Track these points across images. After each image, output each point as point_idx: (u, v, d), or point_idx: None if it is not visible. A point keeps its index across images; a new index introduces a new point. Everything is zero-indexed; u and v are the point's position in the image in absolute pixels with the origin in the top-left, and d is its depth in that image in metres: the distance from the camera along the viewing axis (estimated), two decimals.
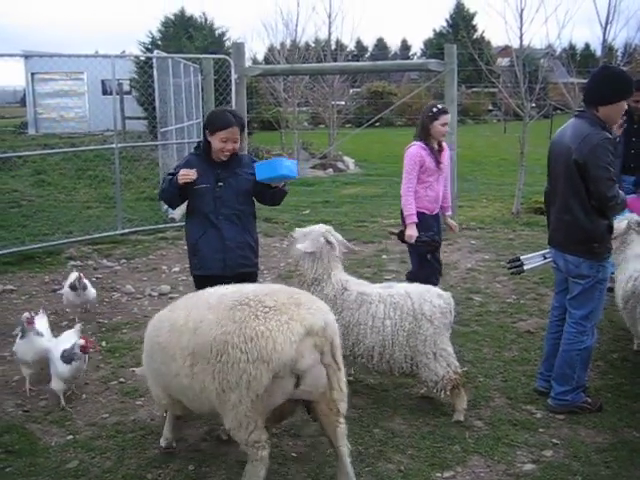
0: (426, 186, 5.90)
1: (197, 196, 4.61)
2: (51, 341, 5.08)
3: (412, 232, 5.79)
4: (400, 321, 4.52)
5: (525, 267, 5.41)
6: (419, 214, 5.85)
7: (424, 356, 4.49)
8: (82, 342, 4.76)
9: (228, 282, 4.00)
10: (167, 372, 3.75)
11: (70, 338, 4.99)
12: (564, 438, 4.26)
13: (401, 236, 5.96)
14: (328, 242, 4.76)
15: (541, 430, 4.36)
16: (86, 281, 6.49)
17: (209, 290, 3.88)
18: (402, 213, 5.95)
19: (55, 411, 4.70)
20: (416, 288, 4.70)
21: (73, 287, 6.39)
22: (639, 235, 5.60)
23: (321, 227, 4.86)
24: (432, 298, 4.56)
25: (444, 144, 6.07)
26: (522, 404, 4.73)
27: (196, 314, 3.60)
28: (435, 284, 5.44)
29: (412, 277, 5.78)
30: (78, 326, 5.37)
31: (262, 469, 3.50)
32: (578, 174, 4.27)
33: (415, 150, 5.84)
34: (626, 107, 4.38)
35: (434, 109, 5.83)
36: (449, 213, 6.33)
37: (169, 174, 4.70)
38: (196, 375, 3.51)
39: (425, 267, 5.91)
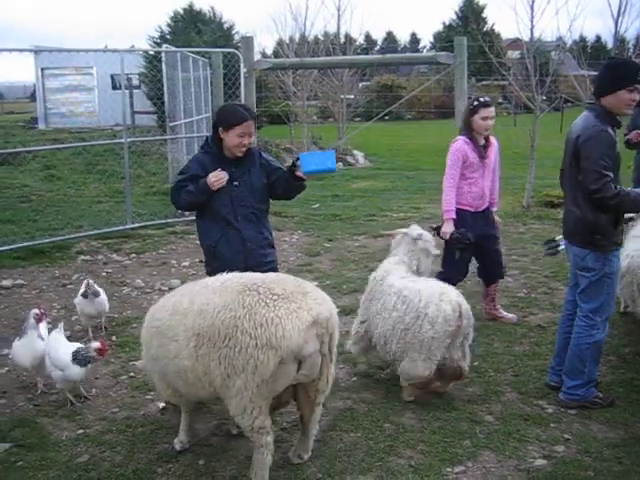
0: (470, 182, 5.78)
1: (214, 197, 4.46)
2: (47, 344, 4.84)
3: (447, 228, 5.69)
4: (403, 315, 4.56)
5: (560, 248, 5.40)
6: (461, 211, 5.76)
7: (416, 353, 4.52)
8: (98, 345, 4.68)
9: None
10: (165, 355, 3.75)
11: (61, 339, 4.87)
12: (576, 433, 4.23)
13: (438, 232, 5.83)
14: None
15: (552, 425, 4.33)
16: (98, 288, 6.13)
17: (209, 278, 3.95)
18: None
19: (66, 405, 4.71)
20: (433, 288, 4.66)
21: (85, 295, 5.98)
22: None
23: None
24: (441, 302, 4.49)
25: (492, 138, 5.93)
26: (533, 399, 4.70)
27: (201, 297, 3.65)
28: (454, 284, 5.46)
29: (442, 276, 5.55)
30: (61, 325, 5.08)
31: (268, 455, 3.56)
32: (576, 165, 4.28)
33: (458, 145, 5.75)
34: (634, 97, 4.25)
35: (475, 102, 5.72)
36: (494, 209, 6.17)
37: (182, 180, 4.52)
38: (201, 357, 3.54)
39: (451, 266, 5.81)
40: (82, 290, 6.04)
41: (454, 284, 5.50)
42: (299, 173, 4.52)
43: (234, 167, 4.50)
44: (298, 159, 4.51)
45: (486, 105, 5.69)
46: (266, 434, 3.54)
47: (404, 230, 5.19)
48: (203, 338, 3.52)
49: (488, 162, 5.86)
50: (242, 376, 3.41)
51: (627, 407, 4.55)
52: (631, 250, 5.50)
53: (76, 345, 4.77)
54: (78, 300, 6.03)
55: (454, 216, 5.71)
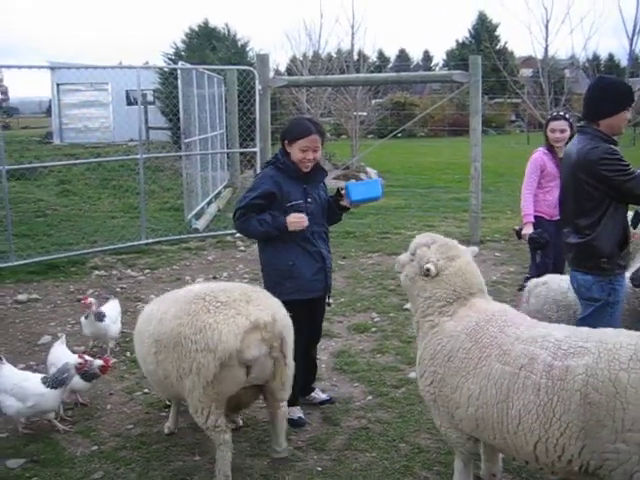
0: (546, 190, 6.16)
1: (290, 214, 4.31)
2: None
3: (526, 230, 6.09)
4: None
5: None
6: (538, 218, 6.12)
7: None
8: (101, 362, 4.73)
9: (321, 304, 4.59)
10: (140, 357, 4.30)
11: (64, 350, 4.96)
12: None
13: (519, 234, 6.28)
14: None
15: None
16: (105, 310, 5.77)
17: (183, 289, 4.28)
18: None
19: (81, 421, 4.70)
20: None
21: (86, 315, 5.73)
22: None
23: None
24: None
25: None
26: None
27: (164, 306, 4.01)
28: None
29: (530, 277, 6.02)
30: (63, 337, 5.13)
31: (227, 452, 3.78)
32: (590, 191, 4.03)
33: (536, 155, 6.22)
34: (629, 116, 4.20)
35: (548, 116, 6.21)
36: None
37: (254, 197, 4.31)
38: (160, 362, 3.93)
39: (534, 268, 6.05)
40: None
41: None
42: (345, 203, 4.52)
43: (306, 183, 4.40)
44: (342, 189, 4.51)
45: (554, 119, 6.14)
46: (223, 432, 3.75)
47: None
48: (160, 344, 3.89)
49: None
50: (190, 377, 3.70)
51: None
52: None
53: (65, 354, 4.90)
54: (82, 319, 5.85)
55: (532, 219, 6.09)
